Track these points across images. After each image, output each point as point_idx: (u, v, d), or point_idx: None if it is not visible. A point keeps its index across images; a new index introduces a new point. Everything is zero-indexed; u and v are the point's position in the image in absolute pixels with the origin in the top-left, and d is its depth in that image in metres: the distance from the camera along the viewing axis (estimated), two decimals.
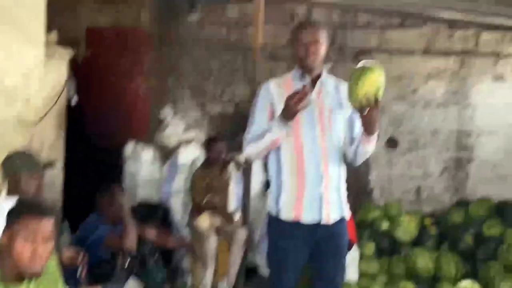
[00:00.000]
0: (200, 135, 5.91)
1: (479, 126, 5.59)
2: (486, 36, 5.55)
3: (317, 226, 2.85)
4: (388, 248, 5.04)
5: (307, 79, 2.85)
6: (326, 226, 2.85)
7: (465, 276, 4.72)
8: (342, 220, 2.91)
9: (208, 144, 4.89)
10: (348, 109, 2.87)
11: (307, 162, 2.82)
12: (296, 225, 2.86)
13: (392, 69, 5.69)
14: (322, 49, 2.84)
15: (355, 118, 2.90)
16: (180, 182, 5.53)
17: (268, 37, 5.83)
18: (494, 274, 4.63)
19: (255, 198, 5.33)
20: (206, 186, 4.76)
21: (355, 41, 5.76)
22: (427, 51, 5.66)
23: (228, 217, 4.63)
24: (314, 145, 2.82)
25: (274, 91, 2.87)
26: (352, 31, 5.75)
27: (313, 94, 2.82)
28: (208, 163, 4.87)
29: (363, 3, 5.52)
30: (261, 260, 5.11)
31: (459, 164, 5.63)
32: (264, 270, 5.07)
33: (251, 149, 2.84)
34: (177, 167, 5.58)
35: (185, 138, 5.79)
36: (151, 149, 5.71)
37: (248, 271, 4.97)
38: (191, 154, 5.61)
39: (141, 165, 5.68)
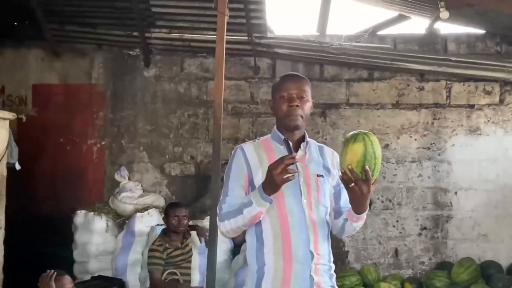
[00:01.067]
0: (158, 199, 5.43)
1: (456, 182, 5.28)
2: (458, 87, 5.32)
3: None
4: None
5: (289, 142, 2.46)
6: None
7: None
8: None
9: (168, 211, 4.39)
10: (334, 176, 2.51)
11: (294, 239, 2.38)
12: None
13: (362, 124, 5.39)
14: (307, 106, 2.44)
15: (342, 187, 2.52)
16: (137, 253, 5.02)
17: (230, 92, 5.50)
18: None
19: (220, 270, 4.84)
20: (167, 259, 4.24)
21: (322, 96, 5.44)
22: (397, 104, 5.38)
23: None
24: (301, 219, 2.39)
25: (251, 157, 2.44)
26: (319, 84, 5.44)
27: (298, 163, 2.41)
28: (168, 232, 4.37)
29: (329, 56, 5.25)
30: None
31: (437, 223, 5.29)
32: None
33: (227, 226, 2.38)
34: (134, 236, 5.07)
35: (142, 203, 5.31)
36: (104, 217, 5.20)
37: None
38: (148, 221, 5.12)
39: (93, 234, 5.17)
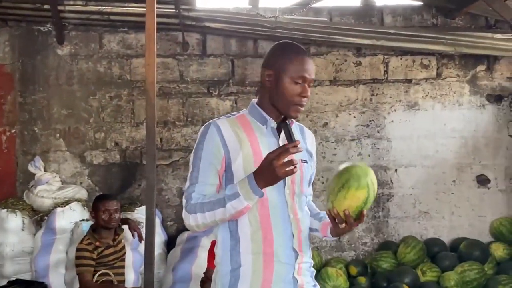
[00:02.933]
0: (80, 191, 4.89)
1: (396, 159, 5.14)
2: (395, 62, 5.15)
3: None
4: None
5: (272, 123, 2.08)
6: None
7: None
8: None
9: (97, 205, 3.90)
10: (313, 163, 2.20)
11: (277, 236, 2.03)
12: None
13: None
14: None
15: (313, 174, 2.25)
16: (59, 252, 4.48)
17: (157, 71, 5.01)
18: None
19: (155, 265, 4.41)
20: (98, 259, 3.77)
21: (257, 74, 5.09)
22: (335, 81, 5.14)
23: None
24: (284, 213, 2.04)
25: (228, 136, 2.03)
26: (254, 61, 5.09)
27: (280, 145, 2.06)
28: (97, 229, 3.88)
29: (264, 31, 4.90)
30: None
31: (378, 202, 5.13)
32: None
33: (199, 219, 1.99)
34: (54, 234, 4.53)
35: (62, 196, 4.75)
36: (19, 214, 4.60)
37: None
38: (71, 216, 4.59)
39: (8, 234, 4.56)
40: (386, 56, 5.14)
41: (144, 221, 3.86)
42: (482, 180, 5.14)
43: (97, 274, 3.73)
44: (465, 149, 5.14)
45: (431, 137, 5.13)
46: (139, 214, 4.63)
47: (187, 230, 4.93)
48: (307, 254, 2.10)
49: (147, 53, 3.69)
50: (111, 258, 3.82)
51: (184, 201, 2.03)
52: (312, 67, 2.05)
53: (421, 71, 5.15)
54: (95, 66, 5.06)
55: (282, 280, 2.03)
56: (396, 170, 5.15)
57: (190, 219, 2.00)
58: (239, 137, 2.02)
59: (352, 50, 5.14)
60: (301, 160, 2.09)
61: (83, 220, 4.48)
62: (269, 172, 1.85)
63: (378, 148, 5.14)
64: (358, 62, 5.15)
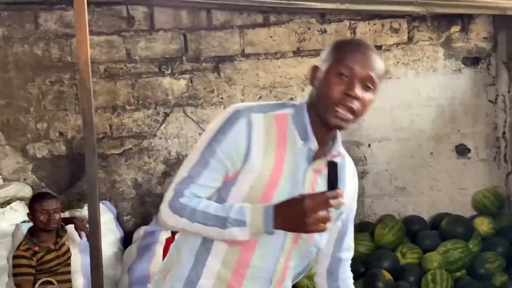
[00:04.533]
0: (23, 189, 4.42)
1: (369, 134, 4.74)
2: (363, 27, 4.72)
3: None
4: None
5: (312, 143, 1.60)
6: None
7: None
8: None
9: (33, 205, 3.45)
10: (350, 209, 1.79)
11: (251, 275, 1.64)
12: None
13: (261, 77, 4.67)
14: (369, 102, 1.59)
15: (349, 225, 1.81)
16: (1, 259, 4.01)
17: (100, 51, 4.54)
18: None
19: (110, 266, 4.00)
20: (38, 266, 3.34)
21: (213, 47, 4.63)
22: (299, 51, 4.70)
23: None
24: (275, 253, 1.64)
25: (257, 139, 1.57)
26: (208, 34, 4.62)
27: (308, 175, 1.62)
28: (35, 232, 3.44)
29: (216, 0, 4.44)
30: None
31: None
32: None
33: (179, 224, 1.58)
34: None
35: (3, 196, 4.28)
36: None
37: None
38: (13, 218, 4.12)
39: None
40: (352, 22, 4.71)
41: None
42: (462, 150, 4.79)
43: (38, 283, 3.31)
44: (442, 118, 4.77)
45: (405, 108, 4.74)
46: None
47: (145, 224, 4.50)
48: (290, 273, 1.69)
49: (78, 29, 3.19)
50: (53, 264, 3.39)
51: (170, 193, 1.60)
52: (371, 63, 1.55)
53: (391, 36, 4.74)
54: (32, 48, 4.54)
55: None
56: (369, 145, 4.76)
57: (170, 219, 1.59)
58: (266, 144, 1.57)
59: (315, 17, 4.70)
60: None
61: (24, 221, 4.02)
62: (297, 220, 1.46)
63: None
64: (323, 29, 4.71)
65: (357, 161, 4.73)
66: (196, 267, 1.64)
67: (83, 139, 4.48)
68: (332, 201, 1.44)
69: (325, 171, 1.53)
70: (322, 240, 1.69)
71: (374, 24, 4.73)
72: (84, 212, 4.14)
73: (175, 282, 1.67)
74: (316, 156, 1.62)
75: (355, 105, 1.54)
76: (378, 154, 4.76)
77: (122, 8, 4.53)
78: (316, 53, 4.70)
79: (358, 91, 1.53)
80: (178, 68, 4.58)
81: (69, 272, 3.48)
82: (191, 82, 4.63)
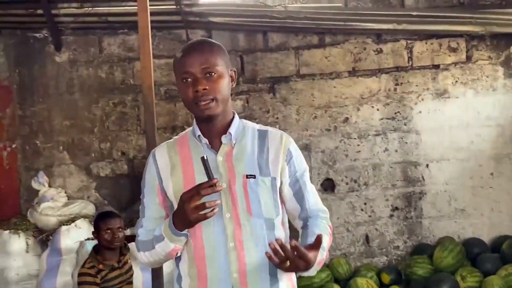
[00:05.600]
0: (87, 206, 4.58)
1: (426, 154, 4.69)
2: (420, 47, 4.70)
3: None
4: None
5: (203, 138, 1.88)
6: None
7: None
8: None
9: (98, 224, 3.57)
10: (284, 171, 1.88)
11: (211, 270, 1.80)
12: None
13: (316, 97, 4.70)
14: (222, 84, 1.81)
15: (305, 185, 1.93)
16: (66, 275, 4.17)
17: (161, 73, 4.68)
18: None
19: (169, 283, 4.07)
20: (102, 283, 3.44)
21: (269, 68, 4.71)
22: (354, 71, 4.71)
23: None
24: (221, 243, 1.79)
25: (162, 163, 1.89)
26: (264, 56, 4.70)
27: (220, 162, 1.85)
28: (100, 250, 3.55)
29: (273, 22, 4.51)
30: None
31: (409, 201, 4.69)
32: None
33: (144, 258, 1.90)
34: (60, 255, 4.22)
35: (68, 213, 4.45)
36: (22, 235, 4.31)
37: None
38: (77, 235, 4.27)
39: (11, 257, 4.27)
40: (409, 41, 4.70)
41: None
42: None
43: None
44: (502, 138, 4.67)
45: (464, 127, 4.67)
46: None
47: None
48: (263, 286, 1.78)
49: (142, 54, 3.33)
50: (116, 282, 3.48)
51: (136, 235, 1.93)
52: (197, 59, 1.80)
53: (449, 55, 4.69)
54: (96, 71, 4.73)
55: None
56: (427, 165, 4.70)
57: (139, 257, 1.91)
58: (172, 162, 1.87)
59: (371, 37, 4.71)
60: (246, 175, 1.80)
61: (88, 239, 4.16)
62: (182, 215, 1.70)
63: (406, 143, 4.71)
64: (378, 49, 4.71)
65: (414, 181, 4.70)
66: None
67: (145, 158, 4.64)
68: (206, 190, 1.65)
69: (223, 156, 1.82)
70: (262, 208, 1.80)
71: (432, 44, 4.70)
72: None
73: None
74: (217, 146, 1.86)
75: (208, 94, 1.78)
76: (436, 175, 4.70)
77: (182, 32, 4.67)
78: (372, 72, 4.71)
79: (202, 84, 1.77)
80: (235, 89, 4.67)
81: None
82: (247, 102, 4.71)
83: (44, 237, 4.40)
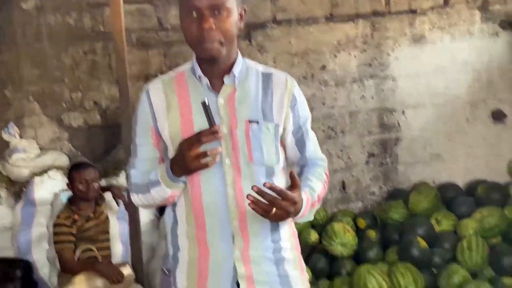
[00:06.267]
0: (60, 157, 4.48)
1: (403, 100, 4.68)
2: None
3: None
4: (324, 268, 3.99)
5: (204, 78, 1.77)
6: None
7: None
8: None
9: (72, 175, 3.52)
10: (288, 118, 1.83)
11: (209, 219, 1.74)
12: None
13: (293, 45, 4.62)
14: (229, 22, 1.70)
15: (307, 133, 1.89)
16: (41, 226, 4.11)
17: (132, 19, 4.53)
18: (459, 281, 3.74)
19: (146, 233, 4.07)
20: (78, 234, 3.42)
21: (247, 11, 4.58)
22: (332, 17, 4.62)
23: (114, 274, 3.31)
24: (220, 190, 1.72)
25: (157, 101, 1.79)
26: None
27: (221, 105, 1.77)
28: (75, 201, 3.51)
29: None
30: None
31: (385, 148, 4.71)
32: None
33: (138, 201, 1.85)
34: (34, 206, 4.15)
35: (41, 165, 4.35)
36: None
37: None
38: (51, 186, 4.20)
39: None
40: None
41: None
42: (498, 116, 4.71)
43: (78, 251, 3.38)
44: (479, 83, 4.68)
45: (440, 73, 4.66)
46: (124, 179, 4.24)
47: None
48: (264, 238, 1.74)
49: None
50: (93, 232, 3.47)
51: (127, 175, 1.89)
52: None
53: (426, 0, 4.63)
54: (64, 18, 4.55)
55: (219, 270, 1.72)
56: (403, 111, 4.71)
57: (133, 198, 1.85)
58: (168, 102, 1.77)
59: None
60: (248, 120, 1.73)
61: (63, 190, 4.09)
62: (182, 163, 1.65)
63: (383, 89, 4.69)
64: None
65: (390, 128, 4.70)
66: (174, 241, 1.80)
67: (119, 109, 4.54)
68: (207, 138, 1.59)
69: (224, 99, 1.74)
70: (264, 155, 1.75)
71: None
72: (120, 180, 4.20)
73: (170, 263, 1.85)
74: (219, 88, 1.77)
75: (214, 33, 1.67)
76: (412, 121, 4.71)
77: None
78: (349, 18, 4.63)
79: (209, 23, 1.65)
80: None
81: (108, 240, 3.55)
82: None
83: (18, 189, 4.32)
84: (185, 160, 1.62)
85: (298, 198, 1.65)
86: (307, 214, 1.76)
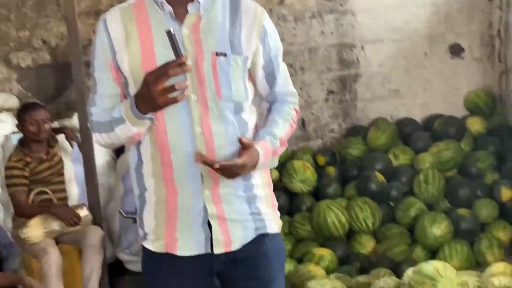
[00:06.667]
0: (9, 99, 4.31)
1: (362, 35, 4.61)
2: None
3: (211, 258, 1.71)
4: (285, 205, 4.01)
5: (167, 6, 1.63)
6: (229, 255, 1.72)
7: (383, 223, 3.87)
8: (262, 238, 1.75)
9: (22, 116, 3.39)
10: (258, 51, 1.70)
11: (176, 157, 1.65)
12: (172, 260, 1.72)
13: None
14: None
15: (277, 67, 1.78)
16: None
17: None
18: (416, 213, 3.82)
19: (103, 175, 3.99)
20: (31, 176, 3.32)
21: None
22: None
23: (70, 216, 3.24)
24: (187, 126, 1.64)
25: (115, 32, 1.65)
26: None
27: (185, 35, 1.64)
28: (26, 143, 3.39)
29: None
30: (126, 255, 3.88)
31: (344, 84, 4.68)
32: (133, 265, 3.85)
33: (100, 140, 1.74)
34: None
35: None
36: None
37: (114, 271, 3.73)
38: (1, 129, 4.05)
39: None
40: None
41: None
42: (456, 50, 4.70)
43: (32, 193, 3.30)
44: (437, 17, 4.64)
45: (400, 7, 4.59)
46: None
47: None
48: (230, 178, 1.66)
49: None
50: (46, 174, 3.37)
51: (88, 113, 1.75)
52: None
53: None
54: None
55: (189, 211, 1.66)
56: (362, 47, 4.65)
57: (94, 138, 1.75)
58: (127, 31, 1.63)
59: None
60: (216, 53, 1.62)
61: (13, 132, 3.95)
62: (148, 99, 1.53)
63: (342, 24, 4.61)
64: None
65: (349, 64, 4.66)
66: (140, 181, 1.72)
67: (68, 47, 4.36)
68: (174, 70, 1.47)
69: (189, 29, 1.62)
70: (233, 91, 1.66)
71: None
72: (73, 121, 4.08)
73: (136, 204, 1.77)
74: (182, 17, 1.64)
75: None
76: (371, 57, 4.66)
77: None
78: None
79: None
80: None
81: (63, 182, 3.46)
82: None
83: None
84: (151, 96, 1.51)
85: (248, 160, 1.61)
86: (268, 162, 1.71)
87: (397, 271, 3.23)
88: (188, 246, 1.68)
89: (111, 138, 1.68)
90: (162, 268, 1.74)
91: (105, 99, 1.69)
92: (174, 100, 1.52)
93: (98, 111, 1.70)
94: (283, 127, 1.76)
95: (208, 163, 1.57)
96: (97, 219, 3.38)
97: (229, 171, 1.59)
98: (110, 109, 1.67)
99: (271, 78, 1.75)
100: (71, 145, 3.63)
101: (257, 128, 1.76)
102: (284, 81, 1.80)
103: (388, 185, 3.98)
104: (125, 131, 1.63)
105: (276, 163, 1.79)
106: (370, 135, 4.36)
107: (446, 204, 3.95)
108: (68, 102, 4.45)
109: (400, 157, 4.21)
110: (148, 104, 1.55)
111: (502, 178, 4.02)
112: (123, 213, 3.24)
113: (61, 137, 3.64)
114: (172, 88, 1.49)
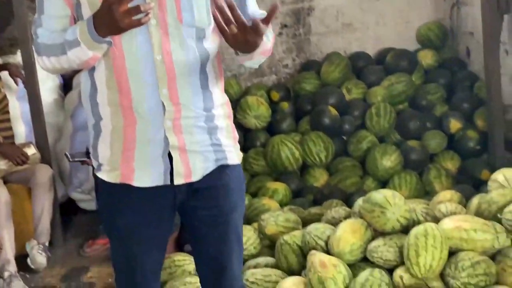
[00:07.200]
0: None
1: None
2: None
3: (172, 189, 1.67)
4: (239, 141, 3.99)
5: None
6: (189, 186, 1.68)
7: (336, 156, 3.92)
8: (223, 168, 1.71)
9: None
10: None
11: (134, 84, 1.58)
12: (129, 191, 1.67)
13: None
14: None
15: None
16: None
17: None
18: (367, 146, 3.87)
19: (51, 113, 3.88)
20: None
21: None
22: None
23: (17, 155, 3.16)
24: (146, 52, 1.56)
25: None
26: None
27: None
28: None
29: None
30: (78, 194, 3.84)
31: (298, 18, 4.61)
32: (85, 204, 3.82)
33: (47, 63, 1.62)
34: None
35: None
36: None
37: (66, 210, 3.70)
38: None
39: None
40: None
41: None
42: None
43: None
44: None
45: None
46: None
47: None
48: (195, 107, 1.62)
49: None
50: None
51: (33, 37, 1.64)
52: None
53: None
54: None
55: (148, 140, 1.60)
56: None
57: (40, 61, 1.63)
58: None
59: None
60: None
61: None
62: (110, 20, 1.44)
63: None
64: None
65: None
66: (94, 109, 1.64)
67: None
68: None
69: None
70: (195, 16, 1.58)
71: None
72: (17, 58, 3.92)
73: (90, 134, 1.70)
74: None
75: None
76: None
77: None
78: None
79: None
80: None
81: (8, 120, 3.37)
82: None
83: None
84: (113, 17, 1.43)
85: (262, 33, 1.50)
86: (256, 58, 1.63)
87: (349, 202, 3.30)
88: (146, 177, 1.63)
89: (61, 62, 1.58)
90: (118, 200, 1.68)
91: (53, 20, 1.59)
92: (139, 23, 1.45)
93: (45, 32, 1.59)
94: (270, 34, 1.70)
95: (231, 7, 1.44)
96: (46, 157, 3.31)
97: (257, 30, 1.49)
98: (59, 30, 1.58)
99: (241, 2, 1.65)
100: (16, 82, 3.50)
101: (219, 61, 1.70)
102: (254, 7, 1.72)
103: (341, 119, 4.01)
104: (79, 55, 1.54)
105: (257, 66, 1.77)
106: (324, 70, 4.34)
107: (397, 137, 4.02)
108: (11, 38, 4.24)
109: (353, 91, 4.23)
110: (108, 27, 1.47)
111: (451, 110, 4.10)
112: (69, 156, 3.18)
113: (4, 74, 3.50)
114: (137, 9, 1.42)
